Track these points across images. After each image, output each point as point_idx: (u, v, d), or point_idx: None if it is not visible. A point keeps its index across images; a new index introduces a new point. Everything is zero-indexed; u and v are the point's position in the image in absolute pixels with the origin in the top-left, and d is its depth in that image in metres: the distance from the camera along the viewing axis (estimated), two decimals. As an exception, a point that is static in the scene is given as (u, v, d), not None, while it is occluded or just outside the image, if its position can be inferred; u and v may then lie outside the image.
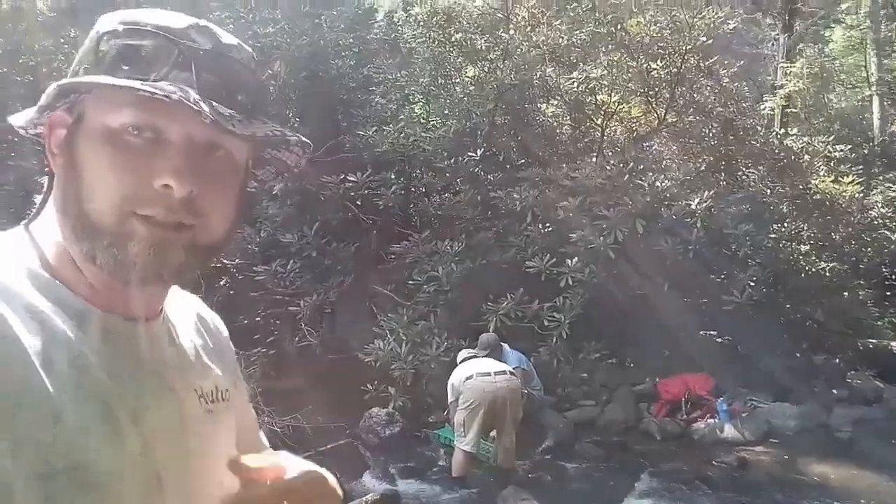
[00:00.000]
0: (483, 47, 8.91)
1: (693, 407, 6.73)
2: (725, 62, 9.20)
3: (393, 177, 7.86)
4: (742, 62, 11.21)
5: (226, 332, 0.97)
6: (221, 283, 7.27)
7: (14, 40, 7.89)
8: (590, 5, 9.53)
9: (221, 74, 0.73)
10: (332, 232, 7.48)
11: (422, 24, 9.29)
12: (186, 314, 0.90)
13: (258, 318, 7.03)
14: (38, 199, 0.79)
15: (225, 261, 7.17)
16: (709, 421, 6.53)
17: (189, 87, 0.69)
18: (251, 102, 0.75)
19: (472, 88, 8.68)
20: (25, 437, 0.63)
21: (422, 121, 8.61)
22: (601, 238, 7.01)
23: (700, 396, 6.76)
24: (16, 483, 0.62)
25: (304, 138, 0.80)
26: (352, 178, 7.51)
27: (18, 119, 0.77)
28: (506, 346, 6.12)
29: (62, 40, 8.25)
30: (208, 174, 0.72)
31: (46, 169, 0.79)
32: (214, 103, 0.69)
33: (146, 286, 0.74)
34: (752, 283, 7.10)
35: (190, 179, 0.70)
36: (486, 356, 5.67)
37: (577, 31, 9.09)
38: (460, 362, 5.62)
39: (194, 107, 0.67)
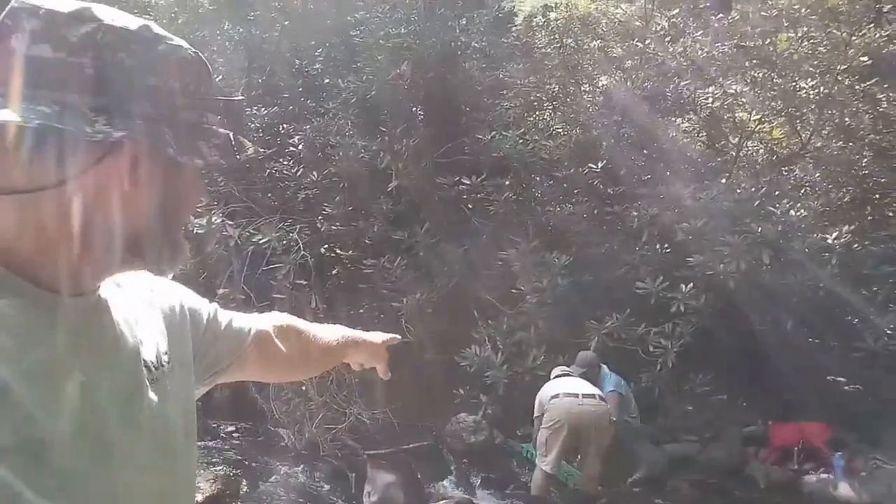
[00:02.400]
0: (618, 56, 8.64)
1: (806, 458, 6.18)
2: (886, 86, 8.34)
3: (508, 183, 7.79)
4: (907, 86, 10.15)
5: (191, 318, 1.02)
6: (333, 272, 7.53)
7: (173, 30, 8.52)
8: (737, 17, 8.95)
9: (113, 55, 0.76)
10: (442, 233, 7.52)
11: (558, 29, 9.14)
12: (144, 294, 0.94)
13: (362, 311, 7.20)
14: None
15: (338, 251, 7.43)
16: (822, 475, 5.98)
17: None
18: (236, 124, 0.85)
19: (601, 98, 8.43)
20: None
21: (545, 128, 8.47)
22: (721, 265, 6.59)
23: (816, 447, 6.19)
24: None
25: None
26: (466, 182, 7.51)
27: None
28: (605, 367, 5.91)
29: (217, 33, 8.84)
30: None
31: None
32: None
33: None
34: (890, 331, 6.41)
35: (205, 192, 0.81)
36: (581, 374, 5.50)
37: (720, 44, 8.59)
38: (553, 378, 5.48)
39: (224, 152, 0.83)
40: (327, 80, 8.50)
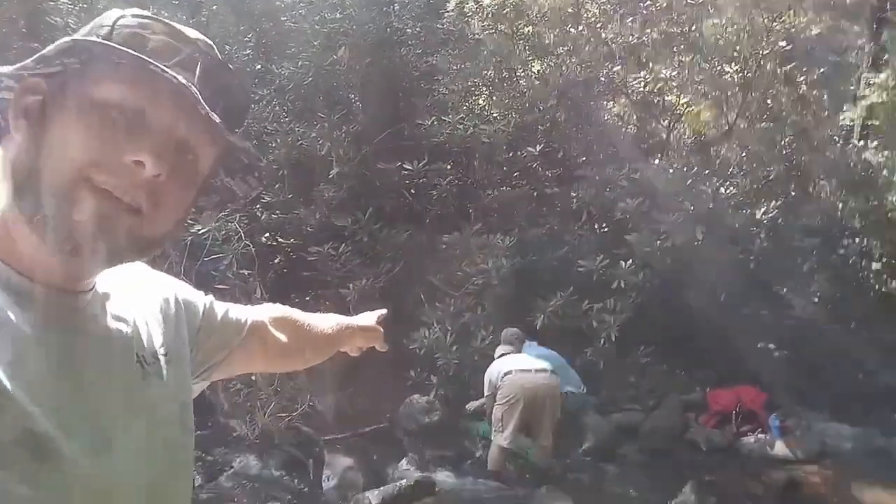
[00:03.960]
0: (551, 42, 8.79)
1: (743, 421, 6.49)
2: (804, 69, 8.81)
3: (449, 167, 7.83)
4: (823, 69, 10.73)
5: (187, 310, 0.98)
6: (275, 261, 7.40)
7: (94, 14, 8.14)
8: (664, 4, 9.26)
9: (219, 84, 0.75)
10: (386, 218, 7.51)
11: (490, 15, 9.23)
12: (136, 288, 0.90)
13: (308, 299, 7.10)
14: None
15: (280, 239, 7.30)
16: (759, 436, 6.29)
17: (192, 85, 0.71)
18: (238, 119, 0.78)
19: (536, 83, 8.57)
20: None
21: (483, 113, 8.55)
22: (658, 242, 6.83)
23: (752, 410, 6.50)
24: None
25: (262, 166, 0.83)
26: (408, 167, 7.51)
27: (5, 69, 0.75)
28: (530, 343, 5.97)
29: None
30: (176, 169, 0.73)
31: None
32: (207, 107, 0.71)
33: (76, 257, 0.71)
34: (816, 300, 6.80)
35: (164, 163, 0.70)
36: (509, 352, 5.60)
37: (649, 30, 8.88)
38: (498, 357, 5.56)
39: (198, 102, 0.69)
40: (259, 67, 8.33)
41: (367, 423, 5.83)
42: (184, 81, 0.69)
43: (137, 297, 0.89)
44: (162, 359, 0.87)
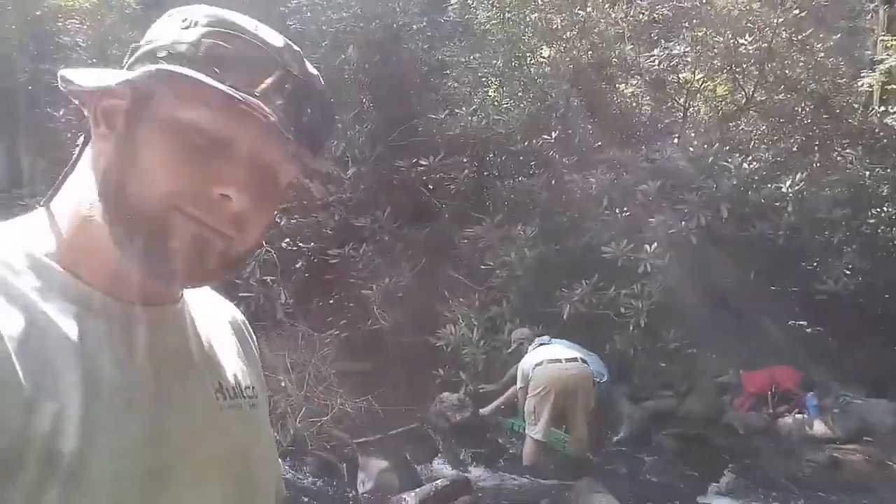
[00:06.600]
0: (559, 26, 8.65)
1: (780, 401, 6.38)
2: (820, 36, 8.60)
3: (465, 160, 7.76)
4: (838, 36, 10.48)
5: (254, 341, 0.94)
6: (297, 265, 7.39)
7: (101, 32, 8.19)
8: (673, -21, 9.08)
9: (308, 107, 0.73)
10: (405, 216, 7.46)
11: (495, 5, 9.11)
12: (212, 309, 0.88)
13: (332, 301, 7.11)
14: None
15: (300, 244, 7.28)
16: (797, 416, 6.18)
17: (280, 112, 0.68)
18: (323, 138, 0.77)
19: (547, 69, 8.45)
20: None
21: (495, 104, 8.46)
22: (682, 223, 6.71)
23: (788, 390, 6.40)
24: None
25: (340, 175, 0.79)
26: (424, 162, 7.45)
27: (85, 78, 0.71)
28: (545, 337, 5.86)
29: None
30: (260, 196, 0.72)
31: (80, 139, 0.76)
32: (294, 134, 0.69)
33: (173, 283, 0.74)
34: (848, 272, 6.65)
35: (250, 196, 0.70)
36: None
37: (659, 7, 8.71)
38: (532, 349, 5.51)
39: (285, 135, 0.68)
40: (270, 71, 8.30)
41: (399, 423, 5.79)
42: (273, 119, 0.67)
43: (213, 319, 0.86)
44: (253, 398, 0.84)
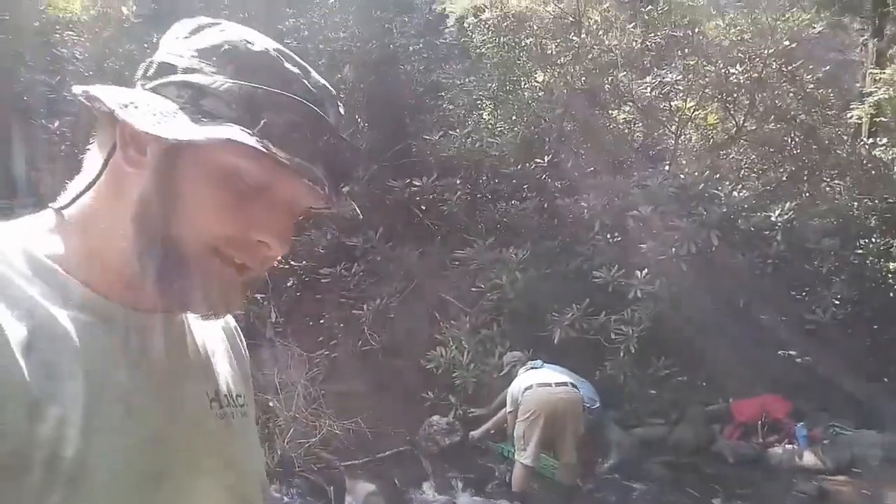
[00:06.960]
0: (553, 52, 8.74)
1: (769, 431, 6.37)
2: (810, 67, 8.73)
3: (458, 182, 7.78)
4: (828, 67, 10.66)
5: (245, 346, 0.95)
6: (288, 284, 7.36)
7: (99, 44, 8.18)
8: (666, 8, 9.20)
9: (341, 161, 0.73)
10: (397, 236, 7.46)
11: (492, 29, 9.20)
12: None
13: (322, 321, 7.06)
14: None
15: (292, 262, 7.25)
16: (787, 446, 6.17)
17: (321, 167, 0.70)
18: (349, 178, 0.77)
19: (541, 94, 8.52)
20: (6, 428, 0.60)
21: (489, 126, 8.51)
22: (673, 249, 6.74)
23: (777, 420, 6.39)
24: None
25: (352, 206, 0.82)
26: (417, 183, 7.46)
27: (118, 103, 0.67)
28: (538, 361, 5.84)
29: (146, 45, 8.52)
30: (292, 235, 0.75)
31: (92, 144, 0.76)
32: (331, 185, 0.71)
33: (187, 308, 0.75)
34: (837, 302, 6.69)
35: (288, 244, 0.73)
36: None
37: (652, 35, 8.82)
38: (522, 372, 5.48)
39: (328, 194, 0.71)
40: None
41: (388, 446, 5.74)
42: (320, 176, 0.69)
43: (208, 324, 0.86)
44: (243, 407, 0.85)
